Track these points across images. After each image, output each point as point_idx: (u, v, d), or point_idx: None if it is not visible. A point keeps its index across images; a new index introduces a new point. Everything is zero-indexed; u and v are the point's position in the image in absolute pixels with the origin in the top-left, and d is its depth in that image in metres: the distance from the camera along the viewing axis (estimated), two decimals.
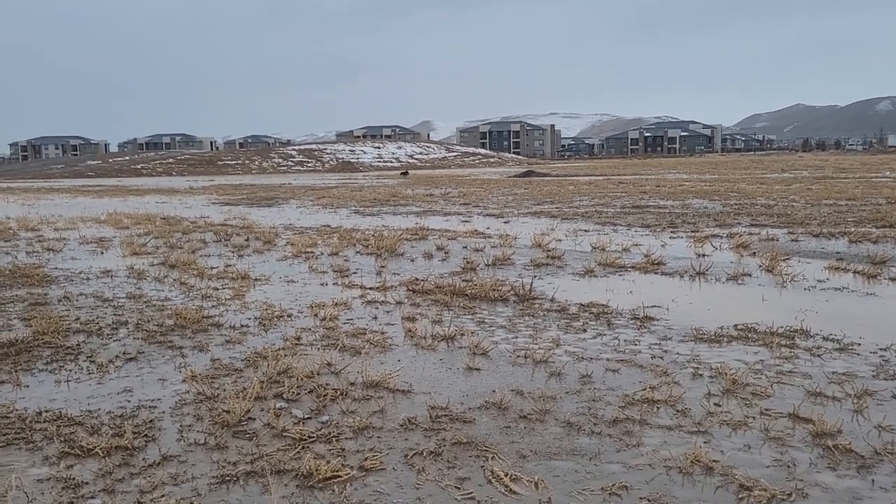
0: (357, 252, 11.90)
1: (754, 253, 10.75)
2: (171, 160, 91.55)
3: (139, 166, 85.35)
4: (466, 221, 17.30)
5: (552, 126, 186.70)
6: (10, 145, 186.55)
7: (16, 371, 5.33)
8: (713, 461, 3.62)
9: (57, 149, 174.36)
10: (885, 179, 30.18)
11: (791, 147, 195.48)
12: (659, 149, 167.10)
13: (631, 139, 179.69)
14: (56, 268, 10.68)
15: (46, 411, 4.47)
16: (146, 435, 4.07)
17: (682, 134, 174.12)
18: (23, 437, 4.05)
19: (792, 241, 12.10)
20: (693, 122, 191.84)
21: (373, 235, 13.74)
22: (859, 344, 5.71)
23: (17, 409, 4.51)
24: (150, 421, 4.29)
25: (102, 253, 12.48)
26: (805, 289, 8.13)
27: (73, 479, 3.53)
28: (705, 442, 3.88)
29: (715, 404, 4.44)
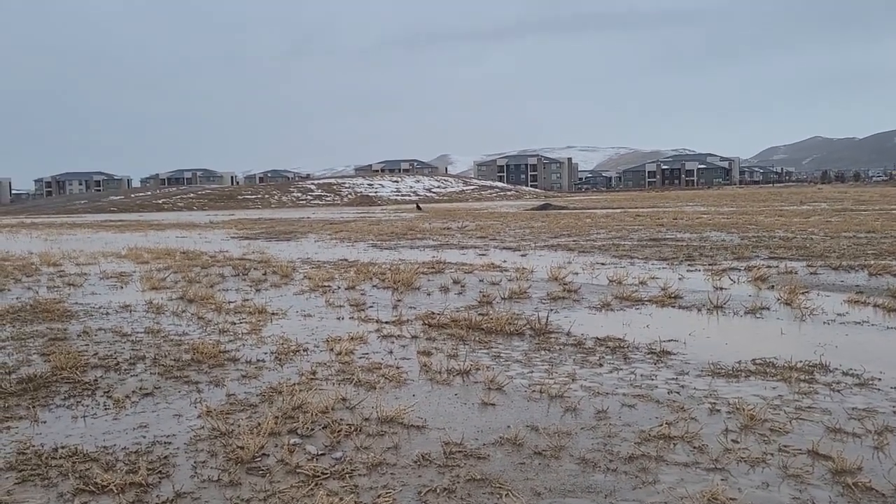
0: (374, 286, 11.93)
1: (773, 286, 10.66)
2: (191, 195, 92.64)
3: (160, 201, 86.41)
4: (483, 255, 17.32)
5: (569, 159, 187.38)
6: (35, 181, 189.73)
7: (34, 407, 5.37)
8: (730, 499, 3.57)
9: (81, 184, 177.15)
10: None
11: (810, 179, 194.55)
12: (676, 181, 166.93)
13: (648, 172, 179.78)
14: (76, 303, 10.79)
15: (62, 447, 4.50)
16: (160, 471, 4.08)
17: (700, 166, 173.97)
18: (38, 474, 4.07)
19: (811, 273, 12.00)
20: (710, 155, 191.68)
21: (389, 269, 13.78)
22: (880, 379, 5.63)
23: (33, 445, 4.54)
24: (165, 457, 4.30)
25: (122, 287, 12.60)
26: (824, 322, 8.04)
27: None
28: (722, 479, 3.83)
29: (732, 440, 4.39)
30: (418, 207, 59.19)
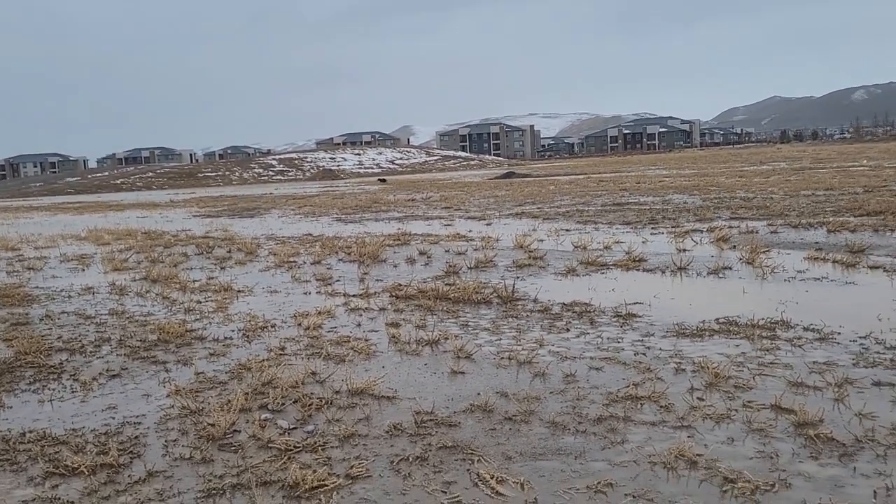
0: (340, 260, 11.89)
1: (734, 246, 10.84)
2: (150, 174, 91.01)
3: (119, 181, 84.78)
4: (448, 225, 17.32)
5: (531, 126, 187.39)
6: None
7: None
8: (697, 455, 3.66)
9: (35, 167, 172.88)
10: (861, 168, 30.51)
11: (769, 139, 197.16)
12: (638, 145, 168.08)
13: (610, 137, 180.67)
14: (37, 287, 10.59)
15: (30, 431, 4.45)
16: (131, 451, 4.05)
17: (661, 130, 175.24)
18: (6, 459, 4.02)
19: (771, 232, 12.21)
20: (671, 118, 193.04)
21: (355, 242, 13.73)
22: (839, 333, 5.78)
23: (0, 431, 4.48)
24: (135, 437, 4.28)
25: (84, 270, 12.39)
26: (785, 280, 8.21)
27: (59, 498, 3.51)
28: (689, 436, 3.92)
29: (698, 398, 4.48)
30: (382, 181, 58.94)
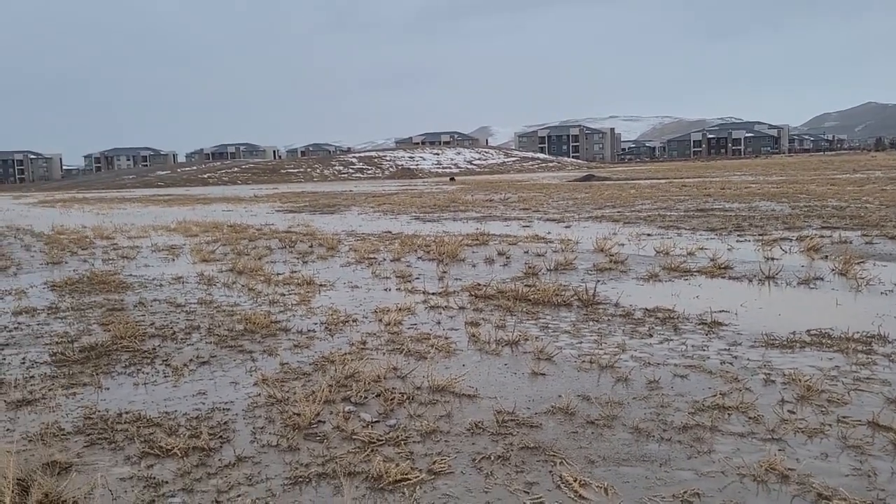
0: (419, 258, 11.99)
1: (826, 256, 10.44)
2: (235, 169, 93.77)
3: (206, 175, 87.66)
4: (527, 226, 17.25)
5: (612, 129, 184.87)
6: (85, 157, 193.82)
7: (97, 374, 5.55)
8: (789, 469, 3.54)
9: (129, 160, 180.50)
10: None
11: (863, 147, 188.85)
12: (723, 151, 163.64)
13: (693, 141, 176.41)
14: (131, 274, 11.06)
15: (126, 412, 4.64)
16: (221, 436, 4.19)
17: (747, 135, 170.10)
18: (105, 438, 4.21)
19: (866, 243, 11.70)
20: (758, 123, 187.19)
21: (434, 241, 13.82)
22: None
23: (98, 411, 4.70)
24: (225, 423, 4.42)
25: (173, 260, 12.87)
26: (882, 293, 7.86)
27: (154, 478, 3.66)
28: (780, 450, 3.79)
29: (789, 411, 4.34)
30: (452, 179, 59.33)
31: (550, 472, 3.64)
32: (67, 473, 3.71)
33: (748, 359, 5.49)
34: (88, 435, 4.26)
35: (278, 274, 10.59)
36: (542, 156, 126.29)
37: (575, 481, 3.48)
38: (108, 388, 5.22)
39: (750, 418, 4.25)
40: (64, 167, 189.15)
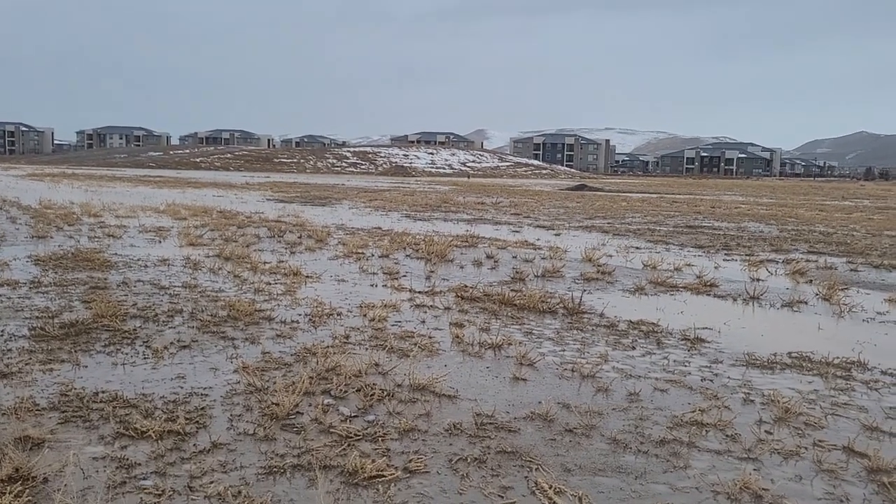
0: (407, 256, 11.97)
1: (811, 280, 10.50)
2: (229, 155, 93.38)
3: (198, 159, 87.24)
4: (517, 231, 17.27)
5: (607, 141, 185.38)
6: (77, 133, 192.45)
7: (75, 351, 5.51)
8: (763, 489, 3.55)
9: (121, 139, 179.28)
10: None
11: (853, 175, 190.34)
12: (715, 169, 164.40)
13: (687, 158, 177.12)
14: (116, 254, 10.98)
15: (103, 392, 4.61)
16: (197, 421, 4.16)
17: (740, 156, 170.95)
18: (80, 416, 4.18)
19: (851, 270, 11.79)
20: (752, 145, 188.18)
21: (423, 240, 13.80)
22: None
23: (75, 388, 4.66)
24: (202, 408, 4.39)
25: (160, 242, 12.79)
26: (864, 320, 7.91)
27: (127, 459, 3.63)
28: (755, 469, 3.81)
29: (766, 432, 4.35)
30: (467, 177, 58.84)
31: (526, 477, 3.64)
32: (40, 449, 3.67)
33: (729, 377, 5.51)
34: (63, 412, 4.23)
35: (265, 263, 10.54)
36: (536, 162, 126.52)
37: (550, 488, 3.48)
38: (86, 366, 5.18)
39: (727, 436, 4.27)
40: (55, 141, 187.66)
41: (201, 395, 4.65)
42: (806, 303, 8.80)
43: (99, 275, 8.99)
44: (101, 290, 7.93)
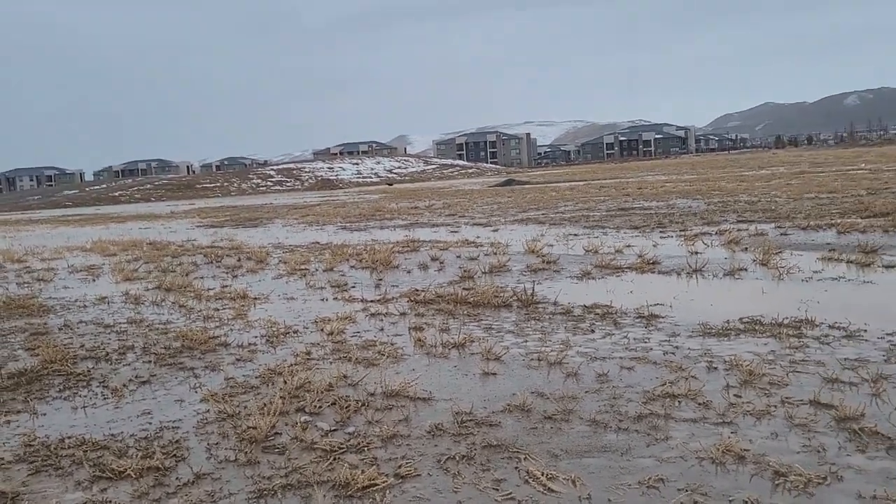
0: (352, 267, 11.89)
1: (746, 248, 10.88)
2: (148, 186, 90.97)
3: (117, 193, 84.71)
4: (455, 232, 17.34)
5: (528, 134, 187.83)
6: None
7: (29, 400, 5.29)
8: (744, 450, 3.67)
9: (31, 180, 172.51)
10: (861, 171, 30.63)
11: (764, 145, 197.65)
12: (634, 152, 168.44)
13: (606, 144, 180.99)
14: (50, 297, 10.58)
15: (69, 437, 4.44)
16: (175, 455, 4.05)
17: (657, 136, 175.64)
18: (50, 464, 4.02)
19: (781, 234, 12.25)
20: (666, 125, 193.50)
21: (365, 250, 13.73)
22: (866, 330, 5.80)
23: (38, 437, 4.48)
24: (176, 441, 4.28)
25: (94, 280, 12.38)
26: (802, 280, 8.24)
27: (110, 501, 3.51)
28: (732, 432, 3.93)
29: (735, 395, 4.50)
30: (390, 184, 58.40)
31: (516, 467, 3.67)
32: (17, 503, 3.52)
33: (689, 348, 5.67)
34: (31, 462, 4.06)
35: (209, 289, 10.32)
36: (461, 162, 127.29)
37: (542, 475, 3.52)
38: (44, 414, 4.98)
39: (700, 404, 4.39)
40: None
41: (172, 427, 4.53)
42: (746, 270, 9.12)
43: (37, 320, 8.65)
44: (42, 336, 7.63)
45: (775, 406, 4.27)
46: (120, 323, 8.18)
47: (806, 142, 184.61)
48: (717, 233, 13.00)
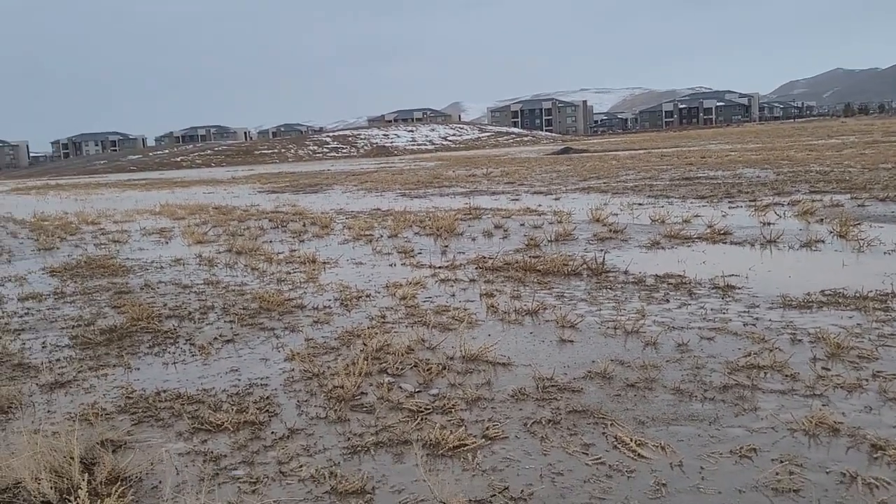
0: (416, 233, 11.98)
1: (822, 220, 10.59)
2: (209, 151, 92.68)
3: (179, 159, 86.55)
4: (516, 200, 17.29)
5: (584, 102, 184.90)
6: (52, 143, 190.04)
7: (123, 355, 5.51)
8: (837, 423, 3.62)
9: (97, 145, 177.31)
10: None
11: (832, 113, 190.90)
12: (694, 120, 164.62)
13: (665, 111, 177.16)
14: (128, 258, 10.93)
15: (164, 391, 4.63)
16: (268, 410, 4.19)
17: (718, 104, 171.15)
18: (151, 416, 4.20)
19: (858, 206, 11.89)
20: (729, 92, 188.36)
21: (427, 216, 13.81)
22: None
23: (136, 390, 4.67)
24: (267, 398, 4.42)
25: (167, 243, 12.74)
26: (885, 253, 8.01)
27: (212, 452, 3.66)
28: (824, 405, 3.88)
29: (823, 368, 4.43)
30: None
31: (604, 433, 3.70)
32: (122, 451, 3.69)
33: (770, 319, 5.58)
34: (133, 414, 4.25)
35: (278, 253, 10.53)
36: (516, 130, 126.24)
37: (632, 441, 3.54)
38: (137, 369, 5.19)
39: (786, 376, 4.34)
40: (30, 154, 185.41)
41: (261, 385, 4.68)
42: (823, 241, 8.89)
43: (119, 280, 8.97)
44: (126, 294, 7.92)
45: (867, 380, 4.19)
46: (197, 284, 8.42)
47: (878, 110, 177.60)
48: (789, 203, 12.68)
